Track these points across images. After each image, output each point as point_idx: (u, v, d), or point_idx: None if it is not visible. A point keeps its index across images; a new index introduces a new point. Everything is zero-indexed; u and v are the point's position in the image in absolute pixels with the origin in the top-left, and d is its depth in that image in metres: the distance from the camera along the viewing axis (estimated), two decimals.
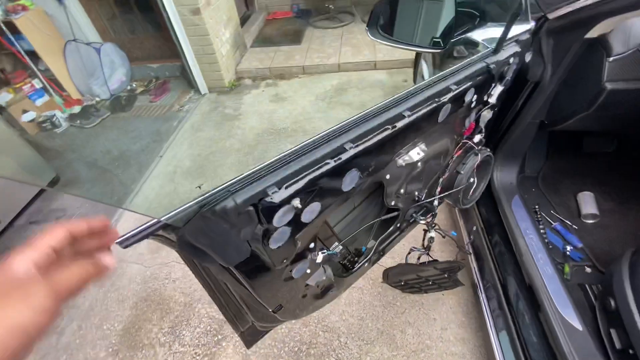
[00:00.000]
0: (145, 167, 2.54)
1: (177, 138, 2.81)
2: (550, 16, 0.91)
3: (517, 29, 0.91)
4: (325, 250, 0.78)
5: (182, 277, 1.76)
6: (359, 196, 1.10)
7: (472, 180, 1.04)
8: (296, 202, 0.55)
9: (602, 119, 0.97)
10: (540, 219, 1.33)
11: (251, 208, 0.50)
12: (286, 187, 0.53)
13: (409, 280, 1.30)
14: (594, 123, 1.02)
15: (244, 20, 4.41)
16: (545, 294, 0.99)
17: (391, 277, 1.29)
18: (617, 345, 0.89)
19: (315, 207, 0.62)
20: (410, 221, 1.13)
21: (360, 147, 0.62)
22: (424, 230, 1.15)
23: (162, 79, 3.71)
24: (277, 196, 0.52)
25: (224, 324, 1.55)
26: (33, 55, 3.03)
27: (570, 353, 0.87)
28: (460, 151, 1.04)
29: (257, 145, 2.56)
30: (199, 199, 0.47)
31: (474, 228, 1.34)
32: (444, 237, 1.26)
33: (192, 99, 3.34)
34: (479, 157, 1.02)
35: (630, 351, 0.85)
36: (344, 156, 0.60)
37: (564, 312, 0.95)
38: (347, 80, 3.27)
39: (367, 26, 0.94)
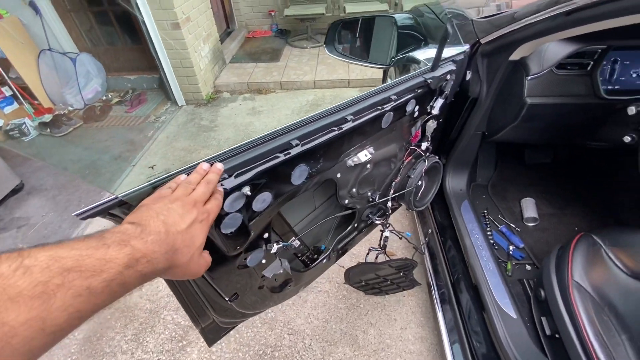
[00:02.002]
0: (117, 175, 2.52)
1: (151, 148, 2.81)
2: (482, 41, 1.05)
3: (454, 50, 1.05)
4: (280, 242, 0.84)
5: (149, 283, 1.74)
6: (319, 198, 1.18)
7: (420, 183, 1.14)
8: (246, 190, 0.62)
9: (528, 130, 1.11)
10: (488, 222, 1.45)
11: None
12: (236, 176, 0.60)
13: (369, 280, 1.37)
14: (524, 134, 1.16)
15: (224, 37, 4.53)
16: (486, 287, 1.09)
17: (352, 277, 1.35)
18: (547, 331, 1.00)
19: (266, 196, 0.68)
20: (368, 222, 1.21)
21: (308, 145, 0.70)
22: (380, 230, 1.24)
23: (139, 91, 3.72)
24: (228, 183, 0.59)
25: (189, 329, 1.55)
26: (4, 62, 2.99)
27: (505, 338, 0.96)
28: (410, 157, 1.15)
29: None
30: (153, 180, 0.53)
31: (429, 231, 1.44)
32: (400, 238, 1.35)
33: (168, 110, 3.37)
34: (427, 163, 1.13)
35: (557, 335, 0.95)
36: (293, 151, 0.68)
37: (502, 303, 1.05)
38: (321, 96, 3.41)
39: (324, 43, 1.05)
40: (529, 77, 0.98)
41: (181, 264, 0.46)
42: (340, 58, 1.06)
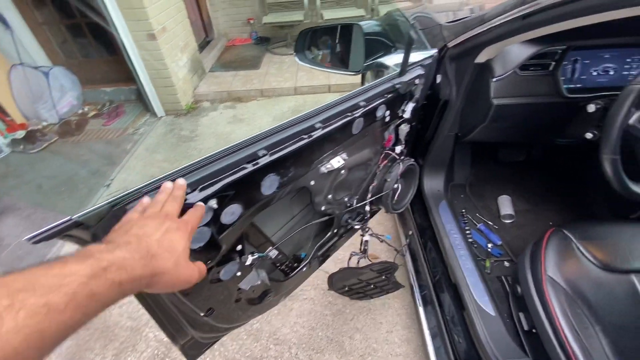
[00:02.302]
0: (94, 191, 2.45)
1: (130, 161, 2.75)
2: (449, 45, 1.08)
3: (422, 55, 1.07)
4: (255, 253, 0.83)
5: (130, 301, 1.69)
6: (297, 205, 1.17)
7: (396, 186, 1.15)
8: (213, 203, 0.61)
9: (498, 130, 1.14)
10: (466, 221, 1.47)
11: None
12: (201, 190, 0.59)
13: (352, 285, 1.37)
14: (494, 134, 1.18)
15: (203, 46, 4.51)
16: (465, 286, 1.10)
17: (335, 283, 1.35)
18: (525, 327, 1.01)
19: (235, 209, 0.68)
20: (348, 227, 1.21)
21: (276, 155, 0.70)
22: (360, 235, 1.24)
23: (116, 103, 3.65)
24: (192, 197, 0.58)
25: (172, 346, 1.51)
26: None
27: (484, 336, 0.97)
28: (386, 161, 1.16)
29: None
30: (112, 198, 0.51)
31: (410, 232, 1.45)
32: (381, 241, 1.36)
33: (147, 122, 3.31)
34: (401, 166, 1.14)
35: (534, 331, 0.96)
36: (261, 161, 0.68)
37: (480, 301, 1.06)
38: (302, 102, 3.42)
39: (294, 52, 1.06)
40: (494, 79, 1.01)
41: (167, 270, 0.44)
42: (310, 66, 1.06)
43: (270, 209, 0.94)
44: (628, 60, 1.04)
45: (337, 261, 1.73)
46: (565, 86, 1.03)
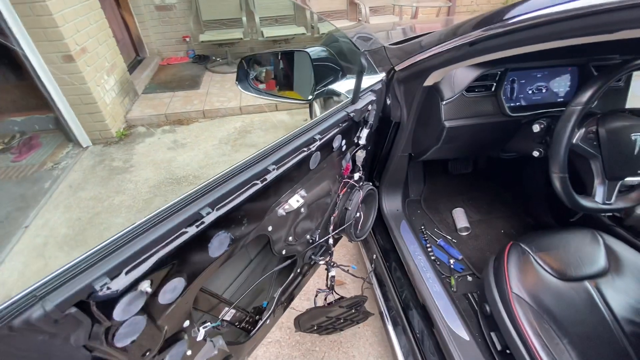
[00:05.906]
0: (4, 243, 2.04)
1: (49, 202, 2.36)
2: (397, 68, 1.07)
3: (372, 80, 1.04)
4: (208, 323, 0.70)
5: None
6: (252, 250, 1.05)
7: (358, 215, 1.10)
8: (145, 286, 0.48)
9: (450, 149, 1.16)
10: (426, 237, 1.47)
11: (74, 309, 0.41)
12: (127, 273, 0.46)
13: (321, 323, 1.27)
14: (446, 153, 1.20)
15: (134, 66, 4.15)
16: (436, 310, 1.07)
17: (302, 324, 1.24)
18: (498, 347, 1.00)
19: (176, 283, 0.55)
20: (311, 263, 1.12)
21: (225, 209, 0.59)
22: (325, 269, 1.15)
23: (29, 134, 3.15)
24: (115, 284, 0.45)
25: None
26: None
27: None
28: (345, 189, 1.10)
29: (153, 199, 2.32)
30: None
31: (374, 257, 1.41)
32: (347, 272, 1.29)
33: (70, 153, 2.90)
34: (361, 193, 1.09)
35: (508, 351, 0.95)
36: (207, 220, 0.56)
37: (453, 325, 1.03)
38: (250, 122, 3.28)
39: (236, 81, 0.96)
40: (444, 102, 1.01)
41: None
42: (255, 95, 0.97)
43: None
44: (557, 78, 1.12)
45: (302, 297, 1.62)
46: (507, 105, 1.06)
